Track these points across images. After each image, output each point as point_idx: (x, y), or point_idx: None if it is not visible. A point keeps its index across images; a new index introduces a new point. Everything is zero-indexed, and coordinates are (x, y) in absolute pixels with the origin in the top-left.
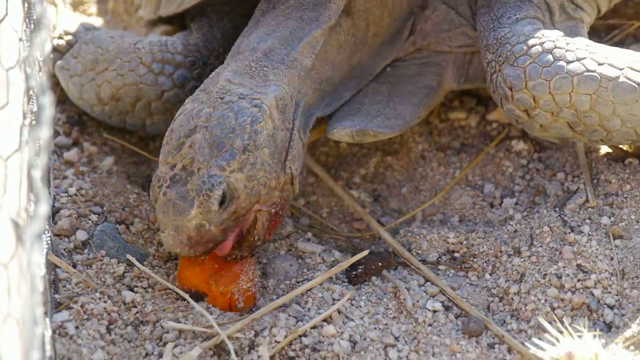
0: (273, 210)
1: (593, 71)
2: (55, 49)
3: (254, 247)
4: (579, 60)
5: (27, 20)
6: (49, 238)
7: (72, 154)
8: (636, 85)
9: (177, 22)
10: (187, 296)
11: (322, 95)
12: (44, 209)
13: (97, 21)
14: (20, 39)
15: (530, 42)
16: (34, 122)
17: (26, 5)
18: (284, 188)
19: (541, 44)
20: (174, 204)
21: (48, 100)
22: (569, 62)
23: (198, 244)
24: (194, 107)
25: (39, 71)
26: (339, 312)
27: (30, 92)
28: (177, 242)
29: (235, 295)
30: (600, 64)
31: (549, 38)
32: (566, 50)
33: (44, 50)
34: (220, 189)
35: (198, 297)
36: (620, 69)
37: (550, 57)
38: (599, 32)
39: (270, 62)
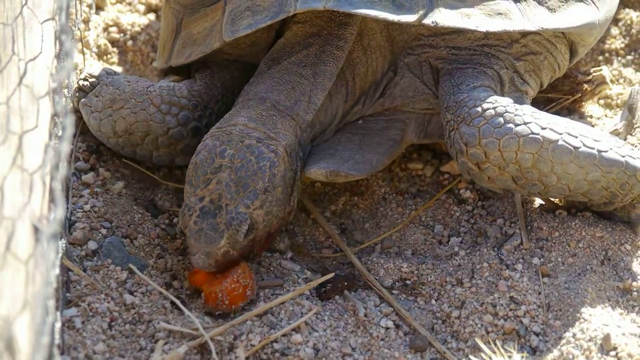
0: (269, 233)
1: (537, 134)
2: (80, 89)
3: (248, 257)
4: (525, 124)
5: (58, 57)
6: (65, 245)
7: (89, 177)
8: (572, 148)
9: (184, 72)
10: (178, 302)
11: (314, 136)
12: (60, 213)
13: (118, 69)
14: (51, 74)
15: (485, 106)
16: (57, 143)
17: (58, 44)
18: (285, 218)
19: (494, 108)
20: (206, 234)
21: (69, 122)
22: (517, 125)
23: (222, 264)
24: (215, 144)
25: (64, 100)
26: (306, 323)
27: (56, 118)
28: (207, 264)
29: (219, 294)
30: (543, 128)
31: (501, 104)
32: (515, 115)
33: (69, 78)
34: (247, 224)
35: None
36: (560, 134)
37: (501, 119)
38: (540, 104)
39: (278, 113)
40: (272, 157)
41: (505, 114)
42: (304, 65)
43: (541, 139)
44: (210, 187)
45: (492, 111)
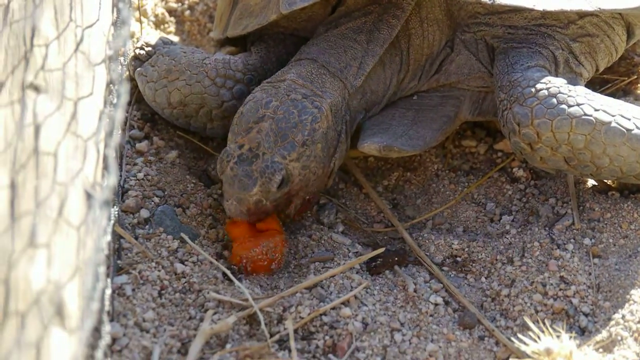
0: (307, 197)
1: (590, 115)
2: (136, 58)
3: (282, 217)
4: (578, 105)
5: (115, 25)
6: (117, 212)
7: (143, 145)
8: (625, 131)
9: (241, 44)
10: (228, 272)
11: (366, 104)
12: (113, 180)
13: (175, 39)
14: (108, 41)
15: (538, 86)
16: (111, 111)
17: (115, 12)
18: (323, 179)
19: (547, 88)
20: (240, 179)
21: (124, 89)
22: (570, 106)
23: (254, 214)
24: (262, 96)
25: (120, 67)
26: (356, 297)
27: (111, 86)
28: (238, 211)
29: (244, 260)
30: (596, 110)
31: (555, 84)
32: (568, 96)
33: (125, 46)
34: (281, 174)
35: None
36: (613, 116)
37: (554, 100)
38: (594, 85)
39: (328, 73)
40: (314, 112)
41: (558, 95)
42: (359, 31)
43: (594, 120)
44: (250, 135)
45: (546, 92)
